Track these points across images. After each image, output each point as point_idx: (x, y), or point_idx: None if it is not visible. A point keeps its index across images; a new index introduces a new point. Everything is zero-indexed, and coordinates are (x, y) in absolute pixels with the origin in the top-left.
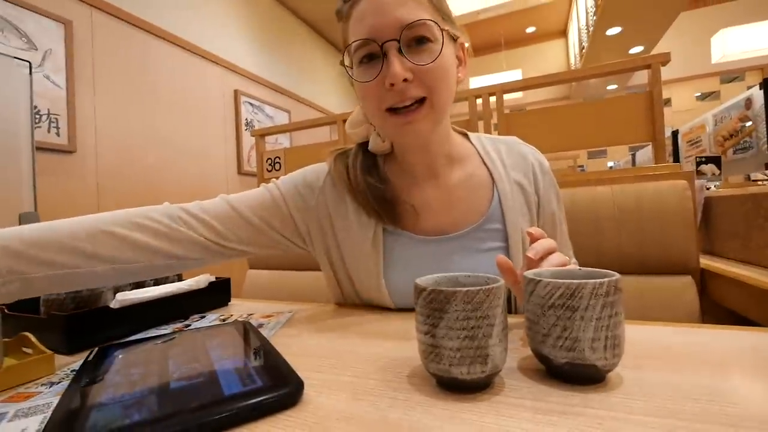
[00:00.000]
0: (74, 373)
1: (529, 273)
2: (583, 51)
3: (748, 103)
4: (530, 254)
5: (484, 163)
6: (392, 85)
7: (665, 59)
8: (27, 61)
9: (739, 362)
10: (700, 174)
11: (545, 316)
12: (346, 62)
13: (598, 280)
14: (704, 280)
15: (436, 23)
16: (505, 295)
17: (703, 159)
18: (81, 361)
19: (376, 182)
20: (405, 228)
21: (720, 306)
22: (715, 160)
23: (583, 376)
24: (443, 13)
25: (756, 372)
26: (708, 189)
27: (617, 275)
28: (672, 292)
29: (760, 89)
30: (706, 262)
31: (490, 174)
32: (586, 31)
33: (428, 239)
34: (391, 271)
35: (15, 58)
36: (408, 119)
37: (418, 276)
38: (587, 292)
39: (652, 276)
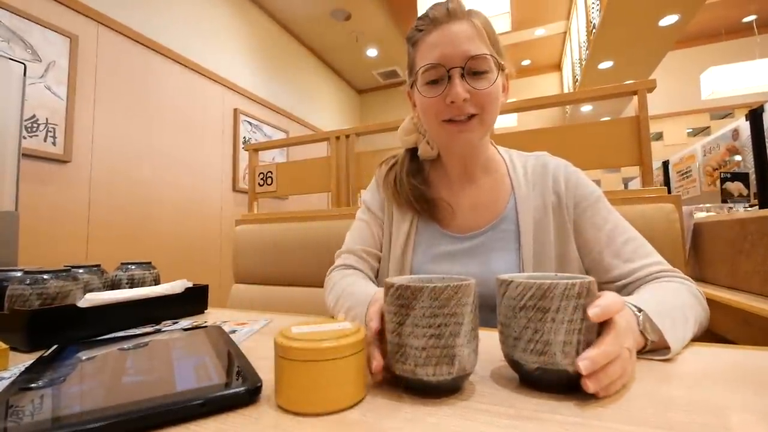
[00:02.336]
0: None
1: (502, 276)
2: (577, 84)
3: (735, 134)
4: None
5: (509, 174)
6: (452, 102)
7: (651, 85)
8: (22, 62)
9: (717, 376)
10: (725, 194)
11: (516, 318)
12: (409, 80)
13: (569, 281)
14: None
15: (494, 57)
16: (476, 297)
17: (729, 175)
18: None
19: (419, 184)
20: (439, 223)
21: (710, 332)
22: (742, 177)
23: (555, 383)
24: (498, 49)
25: (732, 386)
26: (734, 210)
27: (591, 278)
28: None
29: (747, 120)
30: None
31: (512, 182)
32: (579, 64)
33: (452, 235)
34: (416, 257)
35: (10, 59)
36: (461, 129)
37: (436, 263)
38: (558, 292)
39: None
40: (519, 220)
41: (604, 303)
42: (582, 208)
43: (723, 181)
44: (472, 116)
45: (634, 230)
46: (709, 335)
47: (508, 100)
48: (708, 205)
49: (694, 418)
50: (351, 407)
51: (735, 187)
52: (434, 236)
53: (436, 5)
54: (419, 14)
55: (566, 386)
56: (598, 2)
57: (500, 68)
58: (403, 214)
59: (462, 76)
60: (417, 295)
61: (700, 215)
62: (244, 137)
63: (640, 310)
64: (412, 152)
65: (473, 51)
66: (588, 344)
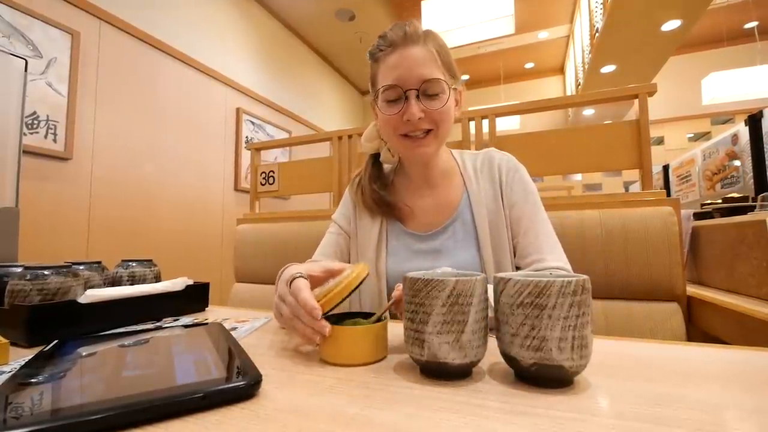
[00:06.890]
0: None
1: (500, 273)
2: (579, 87)
3: (735, 138)
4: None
5: (461, 173)
6: (408, 120)
7: (652, 89)
8: (23, 58)
9: (709, 375)
10: None
11: (514, 315)
12: (372, 93)
13: (566, 279)
14: (691, 308)
15: (445, 81)
16: (484, 292)
17: None
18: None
19: (379, 189)
20: (402, 223)
21: (707, 334)
22: None
23: (551, 378)
24: (451, 71)
25: (724, 384)
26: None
27: (585, 276)
28: (658, 318)
29: (746, 126)
30: (693, 290)
31: (464, 180)
32: (582, 68)
33: (418, 234)
34: (390, 258)
35: (11, 54)
36: (417, 143)
37: (407, 263)
38: (555, 290)
39: (639, 301)
40: (473, 213)
41: None
42: (514, 195)
43: None
44: (428, 132)
45: (551, 229)
46: (708, 338)
47: (513, 101)
48: None
49: (685, 414)
50: (377, 361)
51: None
52: (401, 236)
53: (395, 27)
54: (423, 15)
55: (562, 381)
56: (601, 6)
57: (452, 89)
58: (373, 220)
59: (417, 97)
60: (435, 292)
61: None
62: (247, 136)
63: None
64: (375, 158)
65: (427, 75)
66: (582, 340)
